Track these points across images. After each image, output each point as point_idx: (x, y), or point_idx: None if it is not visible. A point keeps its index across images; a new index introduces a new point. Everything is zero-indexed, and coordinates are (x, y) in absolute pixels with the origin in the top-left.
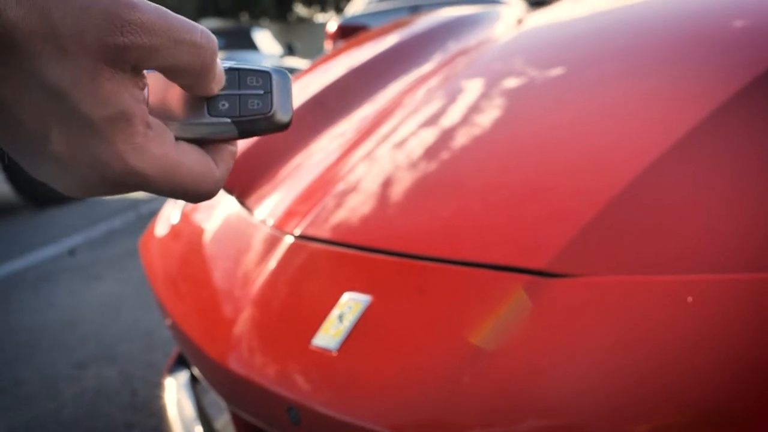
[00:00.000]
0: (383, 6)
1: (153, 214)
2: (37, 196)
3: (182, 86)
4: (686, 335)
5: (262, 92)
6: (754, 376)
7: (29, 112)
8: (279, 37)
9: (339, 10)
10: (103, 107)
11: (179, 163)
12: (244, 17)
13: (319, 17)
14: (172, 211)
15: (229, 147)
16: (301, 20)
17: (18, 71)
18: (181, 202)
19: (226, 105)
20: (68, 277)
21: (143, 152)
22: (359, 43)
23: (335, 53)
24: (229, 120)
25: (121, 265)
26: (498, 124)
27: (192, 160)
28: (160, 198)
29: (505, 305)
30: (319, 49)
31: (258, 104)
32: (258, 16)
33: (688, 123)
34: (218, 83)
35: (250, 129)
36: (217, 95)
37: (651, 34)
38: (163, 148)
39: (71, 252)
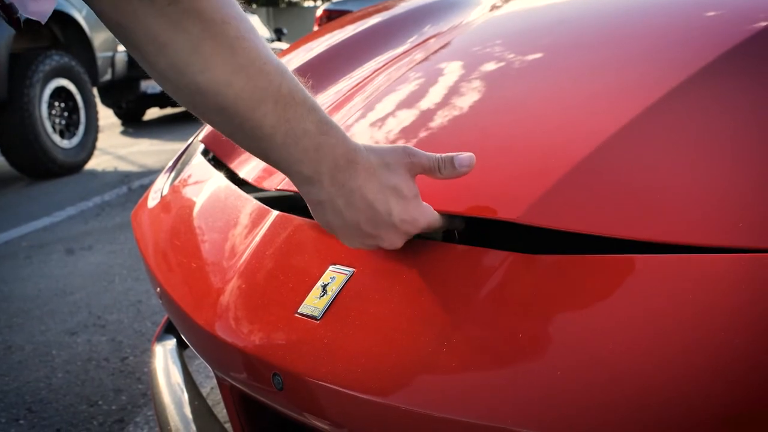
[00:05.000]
0: None
1: (144, 188)
2: (31, 169)
3: None
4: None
5: None
6: (744, 363)
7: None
8: (268, 21)
9: None
10: (410, 189)
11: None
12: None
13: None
14: (163, 185)
15: None
16: (291, 5)
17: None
18: (171, 176)
19: None
20: (61, 249)
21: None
22: (341, 24)
23: (318, 33)
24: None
25: (112, 237)
26: (471, 94)
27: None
28: (151, 173)
29: (487, 282)
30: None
31: None
32: (250, 2)
33: (664, 89)
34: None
35: None
36: None
37: (626, 20)
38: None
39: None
